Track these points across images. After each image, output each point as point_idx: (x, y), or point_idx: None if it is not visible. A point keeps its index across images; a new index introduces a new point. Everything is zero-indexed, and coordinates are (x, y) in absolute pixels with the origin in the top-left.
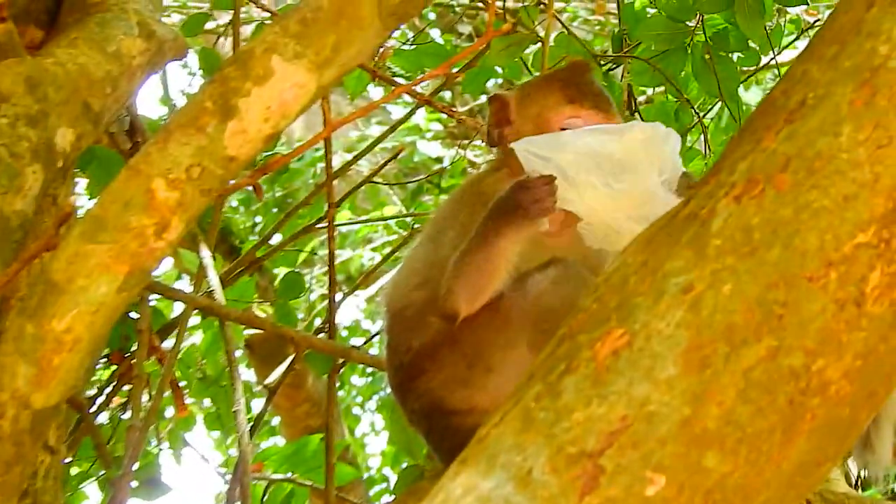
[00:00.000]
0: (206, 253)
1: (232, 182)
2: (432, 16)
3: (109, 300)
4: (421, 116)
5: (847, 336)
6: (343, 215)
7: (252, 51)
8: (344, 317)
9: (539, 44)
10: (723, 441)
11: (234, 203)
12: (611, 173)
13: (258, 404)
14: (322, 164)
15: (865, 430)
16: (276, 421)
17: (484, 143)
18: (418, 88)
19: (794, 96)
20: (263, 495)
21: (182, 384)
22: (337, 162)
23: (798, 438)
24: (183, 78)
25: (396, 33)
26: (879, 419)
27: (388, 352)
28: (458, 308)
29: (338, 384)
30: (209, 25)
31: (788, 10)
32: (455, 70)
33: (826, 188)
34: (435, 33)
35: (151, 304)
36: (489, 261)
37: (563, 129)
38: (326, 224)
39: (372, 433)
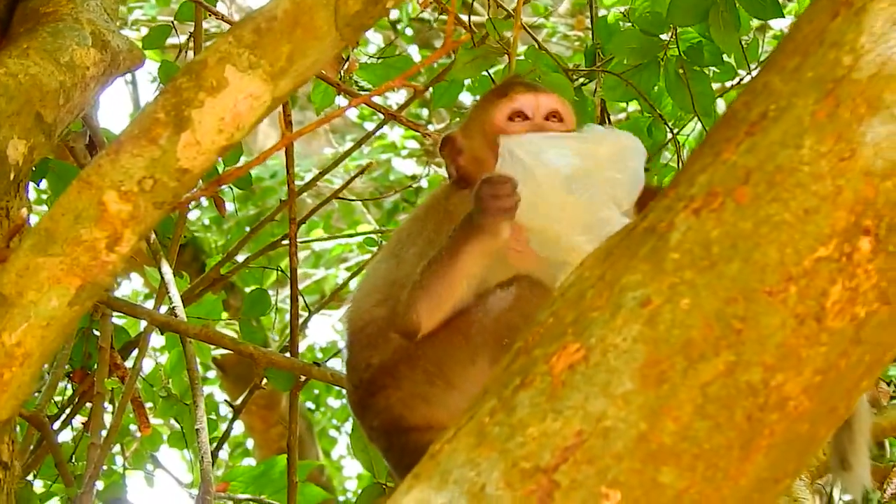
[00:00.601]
0: (167, 269)
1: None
2: (409, 31)
3: (61, 314)
4: (397, 134)
5: (807, 351)
6: (317, 234)
7: (205, 61)
8: (319, 336)
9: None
10: (679, 457)
11: (206, 221)
12: (576, 180)
13: (236, 425)
14: (308, 189)
15: (842, 450)
16: (251, 443)
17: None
18: (392, 105)
19: (756, 108)
20: None
21: (148, 405)
22: (308, 178)
23: (756, 454)
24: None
25: (370, 48)
26: (855, 438)
27: (347, 369)
28: (417, 323)
29: (313, 406)
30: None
31: (771, 24)
32: (424, 83)
33: (787, 201)
34: (413, 49)
35: (114, 321)
36: (451, 275)
37: (510, 117)
38: (289, 240)
39: (349, 455)
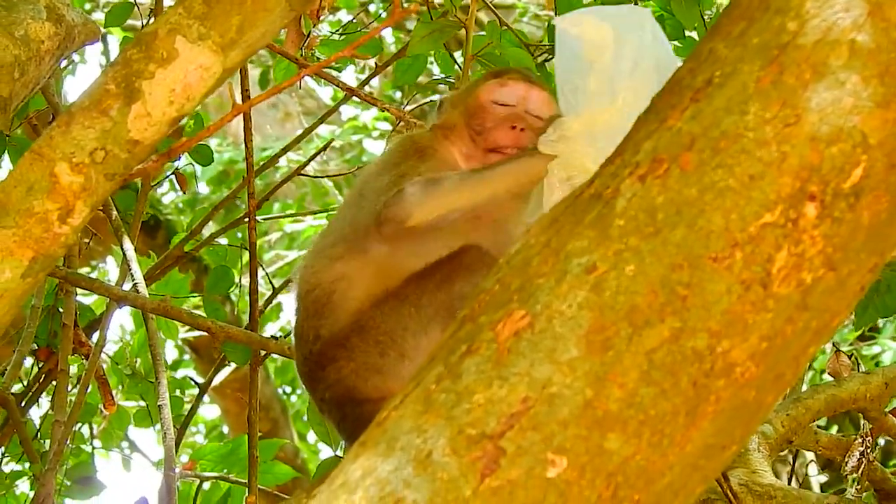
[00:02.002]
0: (128, 245)
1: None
2: (383, 14)
3: (14, 286)
4: (369, 116)
5: (753, 317)
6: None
7: (155, 32)
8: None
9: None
10: (625, 423)
11: (180, 205)
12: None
13: (212, 409)
14: (270, 167)
15: None
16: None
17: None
18: (353, 82)
19: (701, 75)
20: (196, 494)
21: (119, 387)
22: (283, 162)
23: (702, 421)
24: None
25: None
26: None
27: (295, 339)
28: (409, 211)
29: (289, 389)
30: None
31: None
32: (379, 60)
33: (731, 167)
34: (386, 31)
35: (79, 300)
36: (487, 181)
37: (494, 102)
38: (248, 216)
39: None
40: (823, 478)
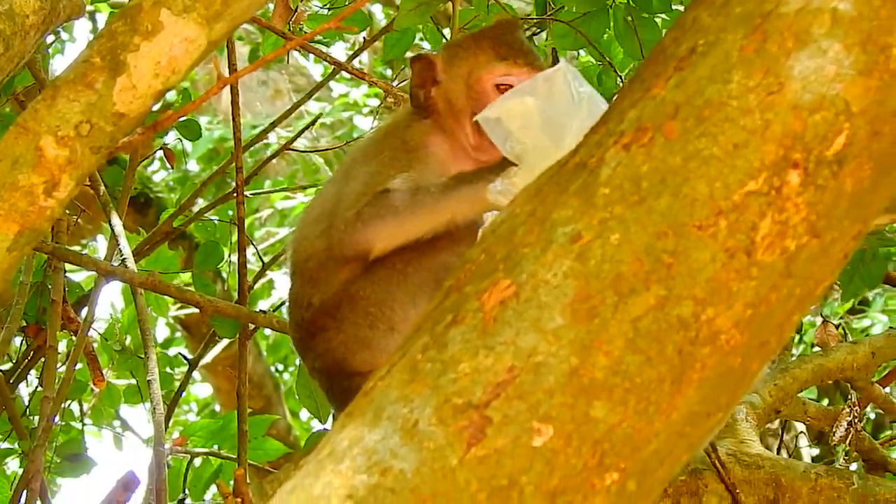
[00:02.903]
0: (116, 221)
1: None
2: None
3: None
4: (359, 93)
5: (737, 285)
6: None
7: (140, 5)
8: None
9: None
10: (611, 391)
11: (171, 183)
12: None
13: (204, 388)
14: (259, 143)
15: None
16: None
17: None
18: (342, 57)
19: (684, 43)
20: (186, 469)
21: (110, 365)
22: (273, 139)
23: (687, 388)
24: None
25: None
26: None
27: (289, 305)
28: (371, 242)
29: (281, 366)
30: None
31: None
32: (367, 36)
33: (715, 136)
34: (376, 8)
35: (68, 276)
36: (439, 209)
37: (498, 86)
38: (236, 190)
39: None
40: (815, 451)
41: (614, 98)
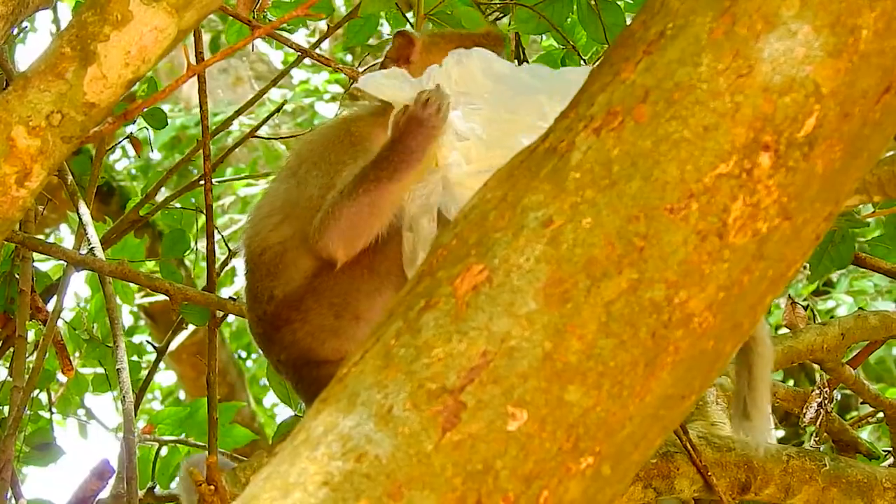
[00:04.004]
0: (84, 210)
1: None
2: None
3: None
4: (321, 79)
5: (709, 268)
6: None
7: None
8: None
9: None
10: (585, 375)
11: (133, 171)
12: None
13: (168, 376)
14: (223, 131)
15: (743, 399)
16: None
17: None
18: (307, 45)
19: (654, 27)
20: (155, 458)
21: (77, 354)
22: (235, 126)
23: (661, 371)
24: None
25: None
26: (756, 387)
27: (248, 298)
28: (335, 253)
29: (244, 353)
30: None
31: None
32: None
33: (686, 119)
34: None
35: (36, 266)
36: (377, 205)
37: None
38: (203, 178)
39: (282, 403)
40: (781, 432)
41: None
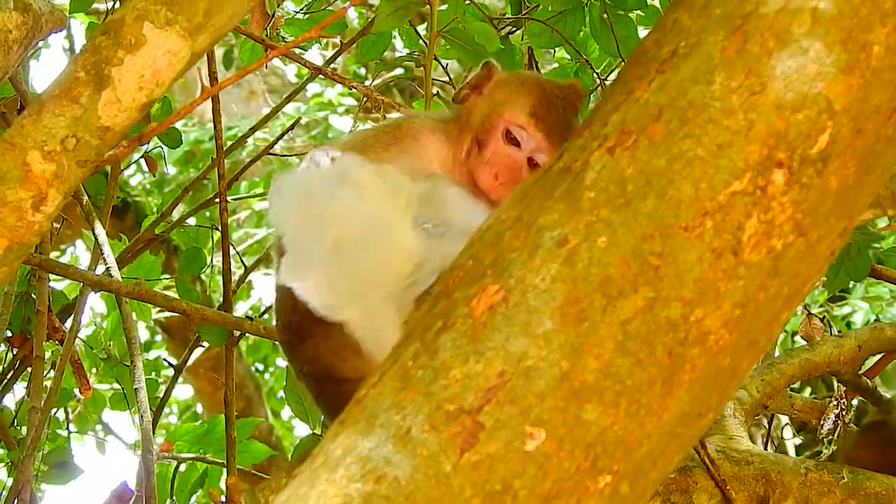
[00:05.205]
0: (100, 230)
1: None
2: None
3: None
4: (334, 92)
5: (725, 285)
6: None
7: (123, 19)
8: (266, 296)
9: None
10: (602, 394)
11: (147, 186)
12: None
13: (184, 390)
14: (237, 147)
15: None
16: (200, 408)
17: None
18: (319, 61)
19: (666, 46)
20: (174, 475)
21: (93, 371)
22: (249, 141)
23: (678, 389)
24: None
25: (291, 4)
26: None
27: (276, 305)
28: None
29: (262, 367)
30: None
31: None
32: (342, 38)
33: (699, 137)
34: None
35: (51, 285)
36: None
37: (507, 132)
38: (218, 196)
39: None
40: (798, 440)
41: (597, 100)
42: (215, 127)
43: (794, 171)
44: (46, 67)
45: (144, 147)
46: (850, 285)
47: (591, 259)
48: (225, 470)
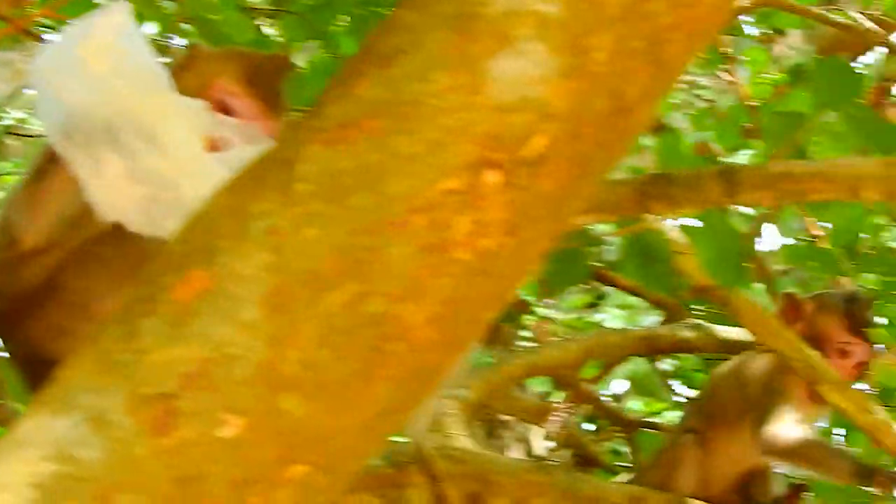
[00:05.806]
0: None
1: None
2: None
3: None
4: None
5: (431, 282)
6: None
7: None
8: None
9: None
10: (302, 385)
11: None
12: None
13: None
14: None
15: None
16: None
17: None
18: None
19: (390, 42)
20: None
21: None
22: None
23: (379, 384)
24: None
25: None
26: None
27: None
28: (21, 237)
29: None
30: None
31: None
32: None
33: (415, 134)
34: None
35: None
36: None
37: (220, 102)
38: None
39: None
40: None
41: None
42: None
43: (507, 173)
44: None
45: None
46: (609, 292)
47: (300, 250)
48: None
